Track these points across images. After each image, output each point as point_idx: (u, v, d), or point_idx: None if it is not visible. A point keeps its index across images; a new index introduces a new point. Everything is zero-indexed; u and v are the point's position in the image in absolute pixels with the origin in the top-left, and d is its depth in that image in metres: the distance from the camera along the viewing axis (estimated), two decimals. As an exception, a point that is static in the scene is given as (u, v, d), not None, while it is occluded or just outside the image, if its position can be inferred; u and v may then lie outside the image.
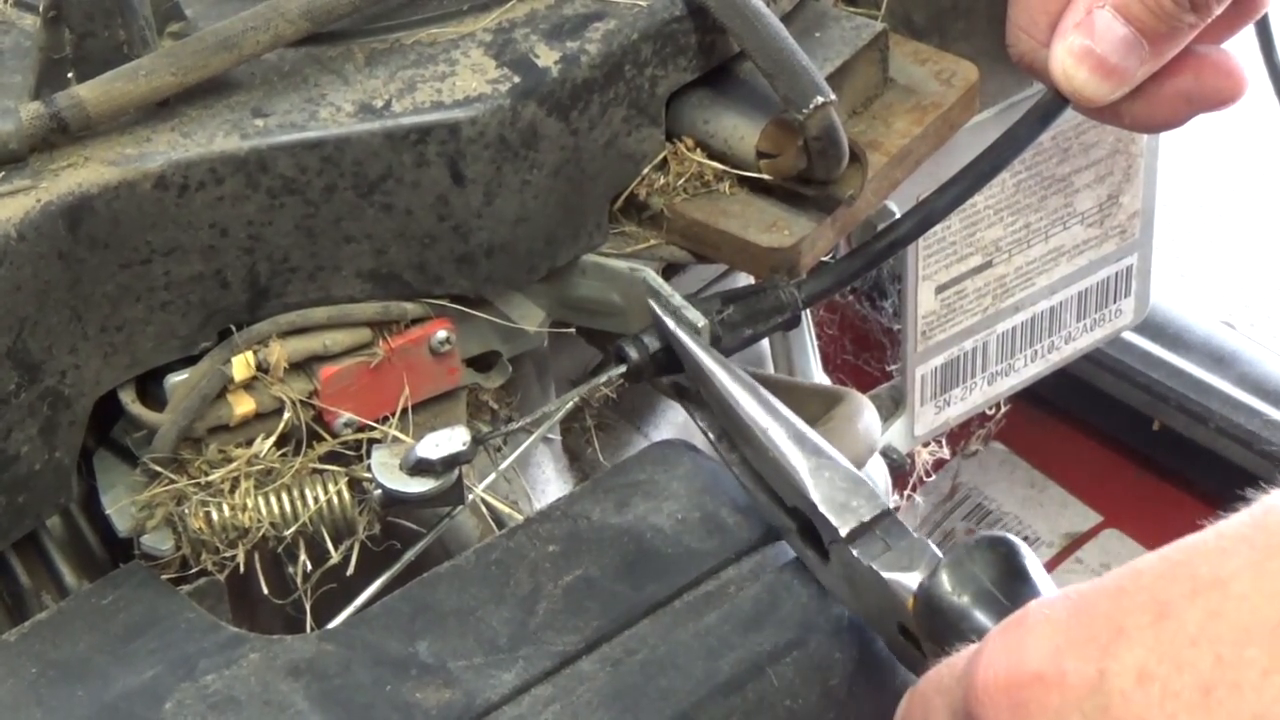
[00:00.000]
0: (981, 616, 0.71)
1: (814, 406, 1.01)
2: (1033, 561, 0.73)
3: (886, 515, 0.79)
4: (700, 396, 0.87)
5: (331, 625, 0.83)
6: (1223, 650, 0.59)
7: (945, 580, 0.73)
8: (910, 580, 0.76)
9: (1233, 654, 0.59)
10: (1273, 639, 0.58)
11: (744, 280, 1.08)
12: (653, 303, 0.89)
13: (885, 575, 0.76)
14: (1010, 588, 0.72)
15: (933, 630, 0.73)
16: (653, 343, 0.89)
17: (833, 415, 1.00)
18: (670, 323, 0.88)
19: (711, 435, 0.86)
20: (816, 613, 0.81)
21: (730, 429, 0.85)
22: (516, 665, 0.78)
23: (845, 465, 0.81)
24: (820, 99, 0.88)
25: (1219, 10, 0.94)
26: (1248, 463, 1.49)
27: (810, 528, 0.81)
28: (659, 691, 0.78)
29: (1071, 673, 0.61)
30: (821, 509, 0.79)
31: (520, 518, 0.89)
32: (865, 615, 0.79)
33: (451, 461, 0.86)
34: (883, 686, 0.80)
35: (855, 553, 0.78)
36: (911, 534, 0.78)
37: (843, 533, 0.78)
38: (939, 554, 0.76)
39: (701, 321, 0.88)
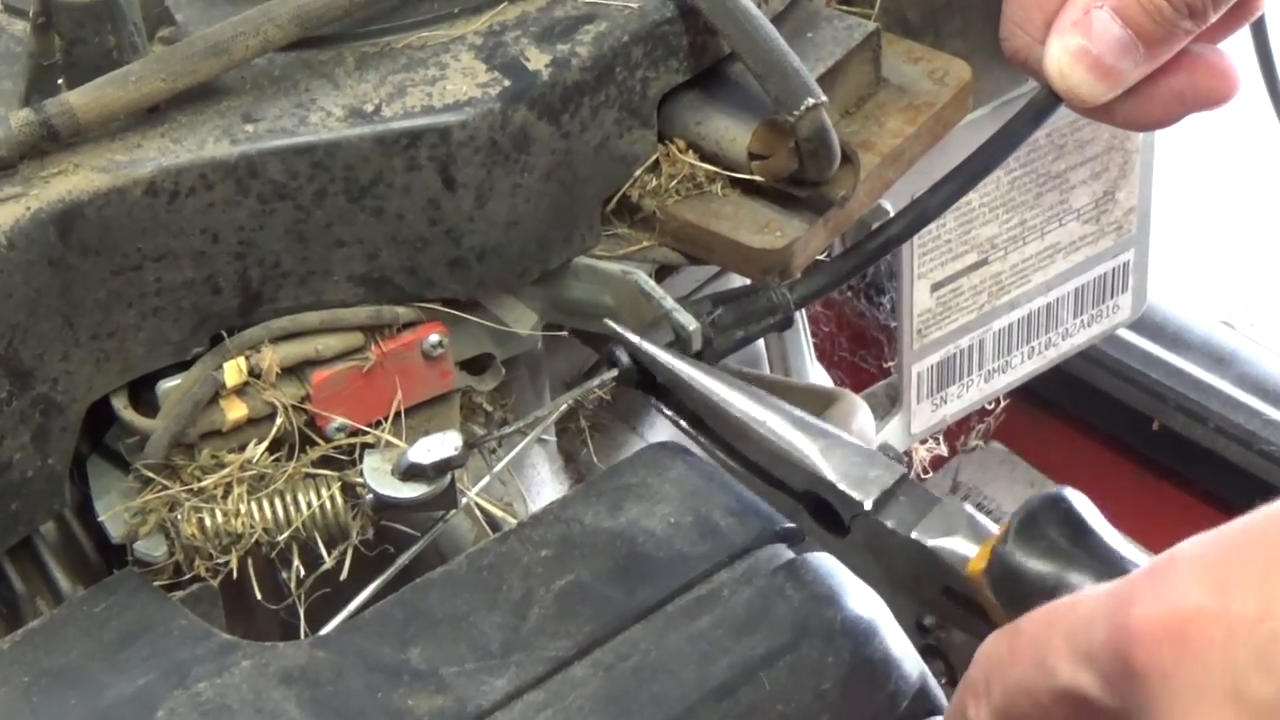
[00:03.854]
0: (1075, 577, 0.72)
1: (808, 407, 1.00)
2: (1090, 509, 0.73)
3: (905, 479, 0.79)
4: (672, 395, 0.87)
5: (324, 631, 0.82)
6: None
7: (1021, 547, 0.73)
8: (955, 544, 0.76)
9: None
10: None
11: (737, 282, 1.08)
12: (612, 324, 0.88)
13: (930, 544, 0.76)
14: (1085, 543, 0.72)
15: (1013, 595, 0.73)
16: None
17: (827, 416, 1.00)
18: (635, 339, 0.87)
19: (687, 428, 0.86)
20: (809, 616, 0.80)
21: (721, 428, 0.85)
22: (509, 671, 0.78)
23: (852, 440, 0.81)
24: (811, 100, 0.88)
25: (1215, 16, 0.94)
26: (1247, 463, 1.49)
27: (824, 507, 0.81)
28: (651, 696, 0.78)
29: (1236, 604, 0.62)
30: (840, 485, 0.79)
31: (514, 520, 0.89)
32: (893, 582, 0.79)
33: (443, 466, 0.86)
34: (876, 690, 0.79)
35: (889, 523, 0.78)
36: (935, 497, 0.78)
37: (867, 505, 0.78)
38: (972, 513, 0.77)
39: (693, 324, 0.88)
